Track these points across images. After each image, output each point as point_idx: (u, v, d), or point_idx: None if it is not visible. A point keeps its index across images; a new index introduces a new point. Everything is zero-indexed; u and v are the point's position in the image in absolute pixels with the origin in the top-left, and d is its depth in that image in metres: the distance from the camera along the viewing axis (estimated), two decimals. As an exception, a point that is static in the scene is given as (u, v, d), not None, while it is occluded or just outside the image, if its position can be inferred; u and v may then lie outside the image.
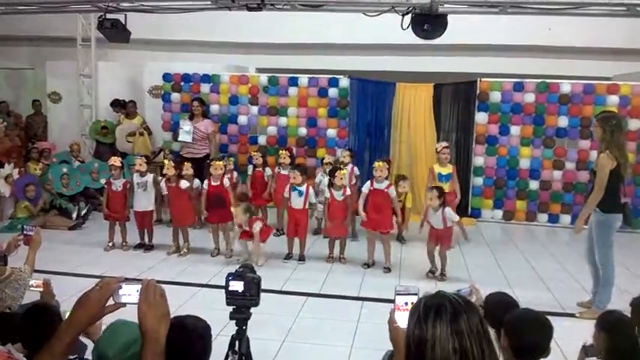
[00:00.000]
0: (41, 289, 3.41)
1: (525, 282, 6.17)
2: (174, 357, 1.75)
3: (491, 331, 2.57)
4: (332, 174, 6.85)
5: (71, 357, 2.37)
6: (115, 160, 7.23)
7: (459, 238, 6.66)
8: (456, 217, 6.24)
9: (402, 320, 1.89)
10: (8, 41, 12.28)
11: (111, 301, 1.70)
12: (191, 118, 8.88)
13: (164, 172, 7.07)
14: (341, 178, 6.69)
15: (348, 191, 6.79)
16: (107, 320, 1.77)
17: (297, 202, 6.74)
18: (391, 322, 1.90)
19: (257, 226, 6.52)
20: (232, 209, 6.68)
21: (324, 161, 8.03)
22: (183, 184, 7.03)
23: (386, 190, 6.48)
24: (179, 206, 7.02)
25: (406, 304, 1.91)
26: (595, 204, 5.12)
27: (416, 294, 1.93)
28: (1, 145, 9.41)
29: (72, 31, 11.00)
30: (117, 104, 10.59)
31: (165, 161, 7.18)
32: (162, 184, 7.09)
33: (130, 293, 1.71)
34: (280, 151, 8.19)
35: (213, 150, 9.00)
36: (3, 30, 11.31)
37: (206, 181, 6.99)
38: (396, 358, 1.85)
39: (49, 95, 11.46)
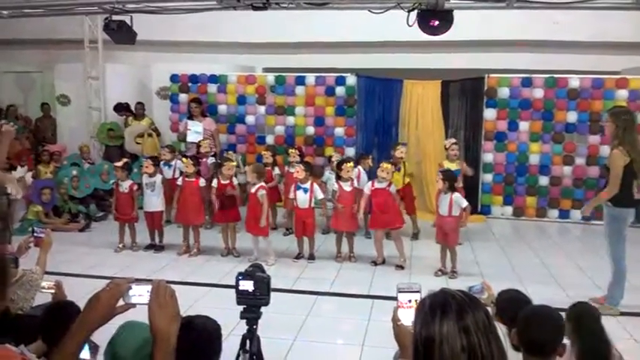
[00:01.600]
0: (53, 291, 3.43)
1: (537, 278, 6.14)
2: (184, 356, 1.75)
3: (504, 328, 2.58)
4: (339, 167, 6.89)
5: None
6: (119, 162, 7.29)
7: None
8: (465, 203, 6.15)
9: (406, 317, 1.88)
10: (16, 45, 12.34)
11: (121, 302, 1.71)
12: (190, 118, 8.87)
13: (184, 169, 7.12)
14: (347, 171, 6.72)
15: (356, 183, 6.85)
16: (116, 321, 1.77)
17: (302, 201, 6.73)
18: (395, 319, 1.89)
19: (261, 192, 6.58)
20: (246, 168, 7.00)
21: (332, 159, 8.03)
22: (202, 182, 7.09)
23: (387, 188, 6.48)
24: (192, 203, 7.02)
25: (410, 301, 1.91)
26: (607, 199, 5.08)
27: (419, 291, 1.92)
28: (11, 149, 9.47)
29: (79, 33, 11.05)
30: (120, 108, 10.61)
31: (185, 159, 7.21)
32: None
33: (140, 294, 1.71)
34: (290, 150, 8.20)
35: (219, 147, 9.02)
36: (11, 34, 11.37)
37: (215, 181, 7.01)
38: (401, 355, 1.84)
39: (58, 98, 11.51)
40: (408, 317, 1.88)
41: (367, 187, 6.65)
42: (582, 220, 8.97)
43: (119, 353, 1.98)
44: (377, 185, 6.53)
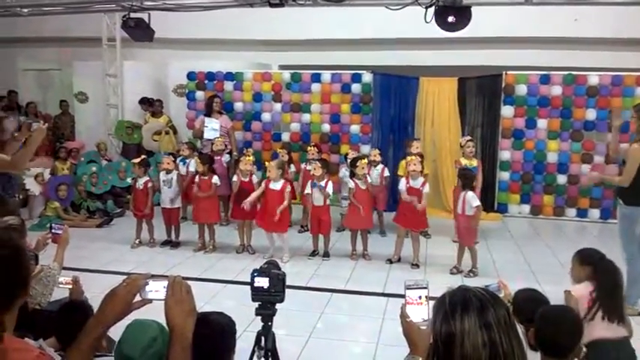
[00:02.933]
0: (70, 286, 3.47)
1: (554, 278, 6.03)
2: (198, 352, 1.76)
3: (521, 328, 2.56)
4: (353, 164, 6.87)
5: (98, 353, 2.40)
6: (137, 159, 7.41)
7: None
8: (475, 202, 6.09)
9: (415, 314, 1.87)
10: (36, 43, 12.49)
11: (138, 298, 1.72)
12: (207, 114, 8.88)
13: (195, 167, 7.14)
14: (362, 168, 6.70)
15: (370, 180, 6.82)
16: (132, 317, 1.79)
17: (318, 198, 6.73)
18: (403, 316, 1.89)
19: (287, 189, 6.63)
20: (266, 164, 6.94)
21: (349, 157, 8.01)
22: (216, 179, 7.10)
23: (420, 188, 6.43)
24: (207, 201, 7.05)
25: (420, 297, 1.90)
26: (614, 182, 5.11)
27: (426, 287, 1.92)
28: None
29: (97, 31, 11.14)
30: (145, 102, 10.70)
31: (196, 158, 7.24)
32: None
33: (156, 290, 1.73)
34: (308, 147, 8.20)
35: (234, 144, 9.04)
36: (30, 32, 11.51)
37: (235, 177, 7.03)
38: (411, 352, 1.83)
39: (76, 95, 11.62)
40: (417, 314, 1.87)
41: (402, 184, 6.60)
42: (600, 220, 8.89)
43: (126, 352, 1.99)
44: (411, 183, 6.47)
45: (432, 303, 1.90)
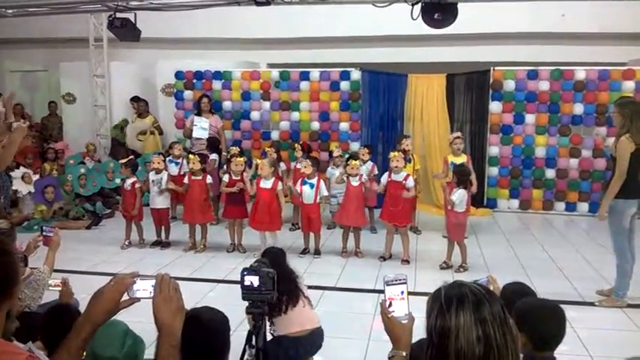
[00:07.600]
0: (60, 288, 3.46)
1: (543, 271, 6.12)
2: (190, 353, 1.76)
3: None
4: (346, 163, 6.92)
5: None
6: (124, 159, 7.39)
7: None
8: (453, 196, 6.11)
9: (398, 309, 1.87)
10: (22, 44, 12.41)
11: (125, 297, 1.72)
12: (198, 114, 8.85)
13: (190, 166, 7.08)
14: (352, 168, 6.72)
15: (364, 177, 6.83)
16: (119, 316, 1.78)
17: (308, 196, 6.73)
18: (384, 312, 1.89)
19: (279, 187, 6.62)
20: (258, 161, 6.85)
21: (334, 155, 8.02)
22: (209, 179, 7.08)
23: (403, 181, 6.44)
24: (199, 202, 7.02)
25: (402, 292, 1.90)
26: (617, 189, 4.98)
27: (405, 282, 1.92)
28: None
29: (84, 31, 11.08)
30: (139, 99, 10.65)
31: (191, 156, 7.19)
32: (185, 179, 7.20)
33: (144, 288, 1.73)
34: (295, 145, 8.20)
35: (224, 144, 9.02)
36: (16, 33, 11.42)
37: (226, 176, 7.01)
38: (394, 347, 1.84)
39: (64, 96, 11.57)
40: (398, 309, 1.88)
41: (384, 178, 6.61)
42: (589, 213, 8.95)
43: (105, 354, 1.97)
44: (393, 177, 6.49)
45: (412, 298, 1.92)
